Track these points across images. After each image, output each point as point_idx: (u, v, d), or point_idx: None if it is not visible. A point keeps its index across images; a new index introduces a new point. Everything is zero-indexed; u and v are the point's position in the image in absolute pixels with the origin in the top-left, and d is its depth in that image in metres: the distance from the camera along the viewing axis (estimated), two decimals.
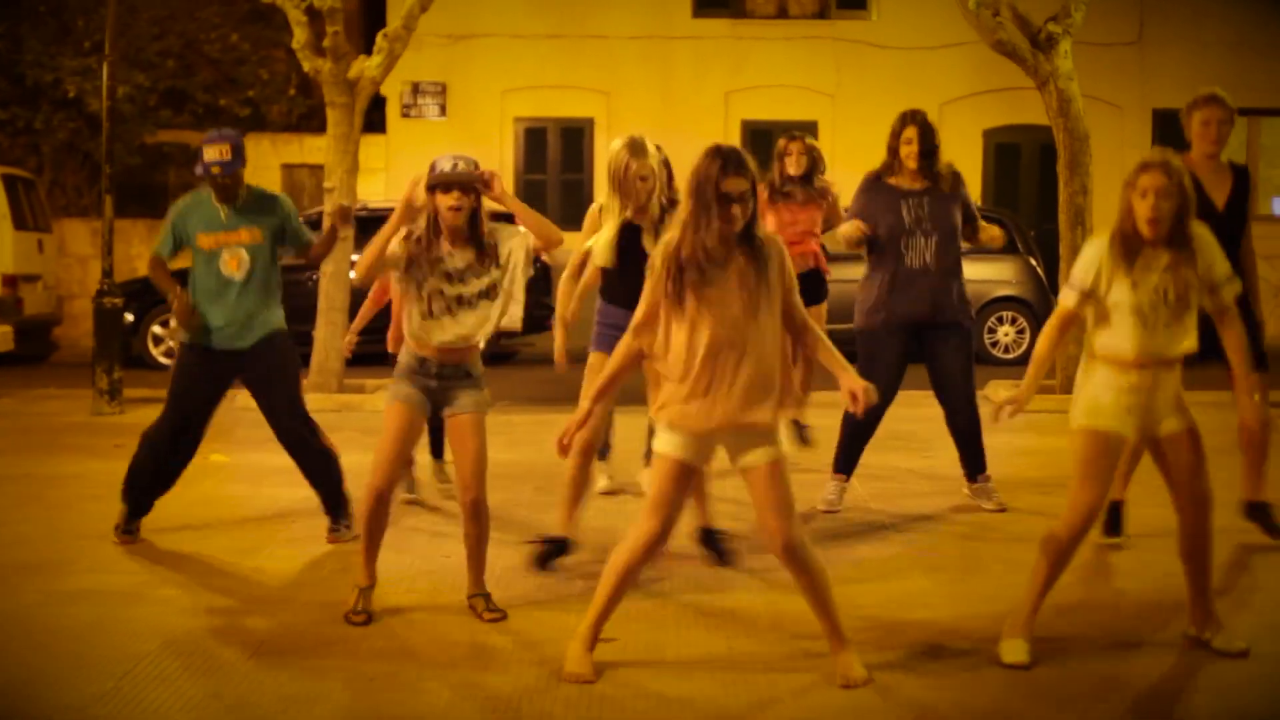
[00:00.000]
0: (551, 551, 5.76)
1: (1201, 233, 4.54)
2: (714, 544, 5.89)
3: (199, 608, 5.23)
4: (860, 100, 18.79)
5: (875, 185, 6.88)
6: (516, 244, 5.08)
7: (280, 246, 6.31)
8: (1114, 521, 6.14)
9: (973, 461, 6.94)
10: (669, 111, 18.69)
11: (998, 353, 14.96)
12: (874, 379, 6.69)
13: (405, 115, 18.82)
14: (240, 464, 8.16)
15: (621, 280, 5.83)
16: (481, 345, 5.15)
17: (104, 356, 10.39)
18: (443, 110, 18.81)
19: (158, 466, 6.28)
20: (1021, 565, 5.74)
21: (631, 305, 5.28)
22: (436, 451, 7.31)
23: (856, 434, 6.91)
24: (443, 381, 5.06)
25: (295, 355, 6.44)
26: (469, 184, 4.94)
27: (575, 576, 5.59)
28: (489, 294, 5.04)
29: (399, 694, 4.28)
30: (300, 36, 10.96)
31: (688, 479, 4.38)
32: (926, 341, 6.84)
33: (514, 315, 5.11)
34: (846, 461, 6.98)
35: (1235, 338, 4.65)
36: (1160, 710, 4.24)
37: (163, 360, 14.01)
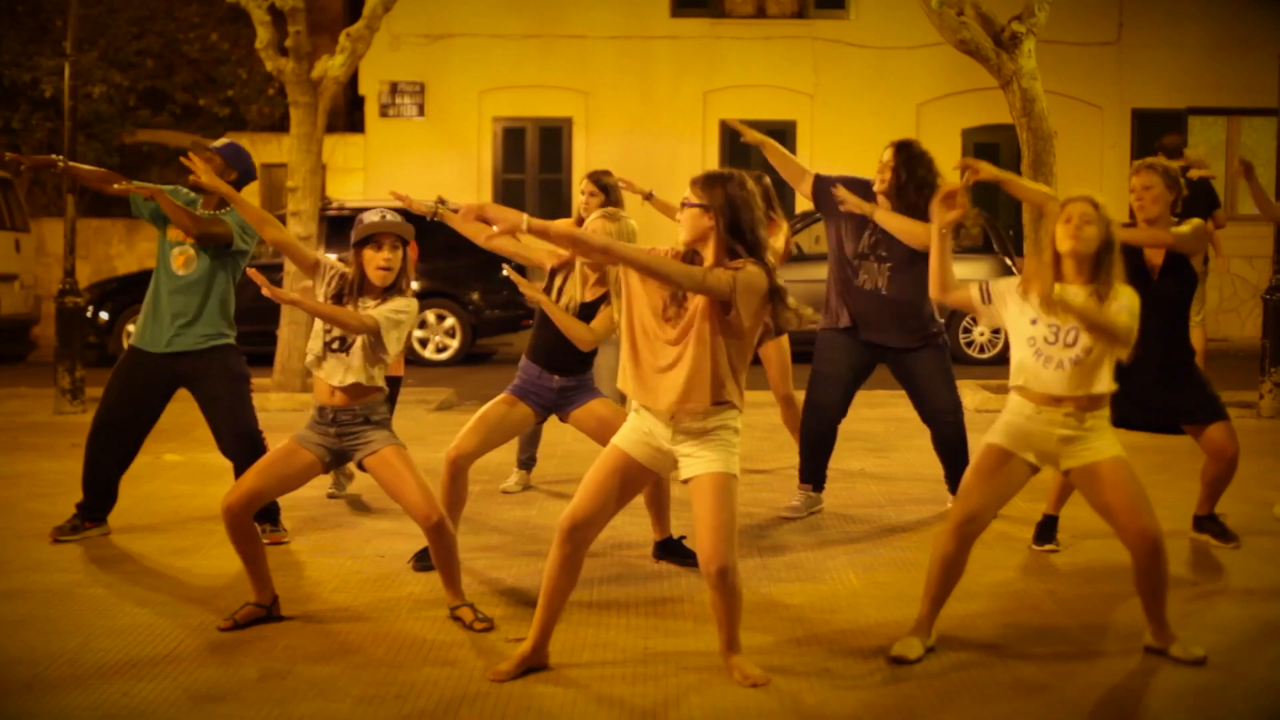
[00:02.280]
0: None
1: (1124, 288, 4.54)
2: (678, 551, 5.86)
3: (125, 607, 5.23)
4: (839, 100, 18.80)
5: (864, 189, 6.64)
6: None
7: (229, 259, 6.21)
8: (1046, 532, 6.13)
9: (958, 476, 6.71)
10: (647, 111, 18.69)
11: (973, 353, 14.97)
12: (820, 388, 6.74)
13: (384, 115, 18.81)
14: (192, 463, 8.16)
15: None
16: (380, 386, 5.03)
17: (66, 356, 10.38)
18: (421, 110, 18.80)
19: (92, 462, 6.28)
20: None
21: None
22: None
23: (813, 444, 6.83)
24: (341, 429, 4.96)
25: (239, 372, 6.26)
26: (400, 239, 4.90)
27: (480, 580, 5.61)
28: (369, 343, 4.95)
29: (309, 695, 4.28)
30: (264, 36, 10.96)
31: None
32: (897, 363, 6.67)
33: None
34: (810, 471, 6.87)
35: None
36: (1071, 709, 4.24)
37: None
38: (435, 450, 8.52)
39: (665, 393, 4.24)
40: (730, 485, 4.25)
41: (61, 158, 6.51)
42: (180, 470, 8.03)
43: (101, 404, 6.28)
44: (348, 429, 4.96)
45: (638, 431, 4.37)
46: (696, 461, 4.26)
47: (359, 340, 4.91)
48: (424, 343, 14.90)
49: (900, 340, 6.60)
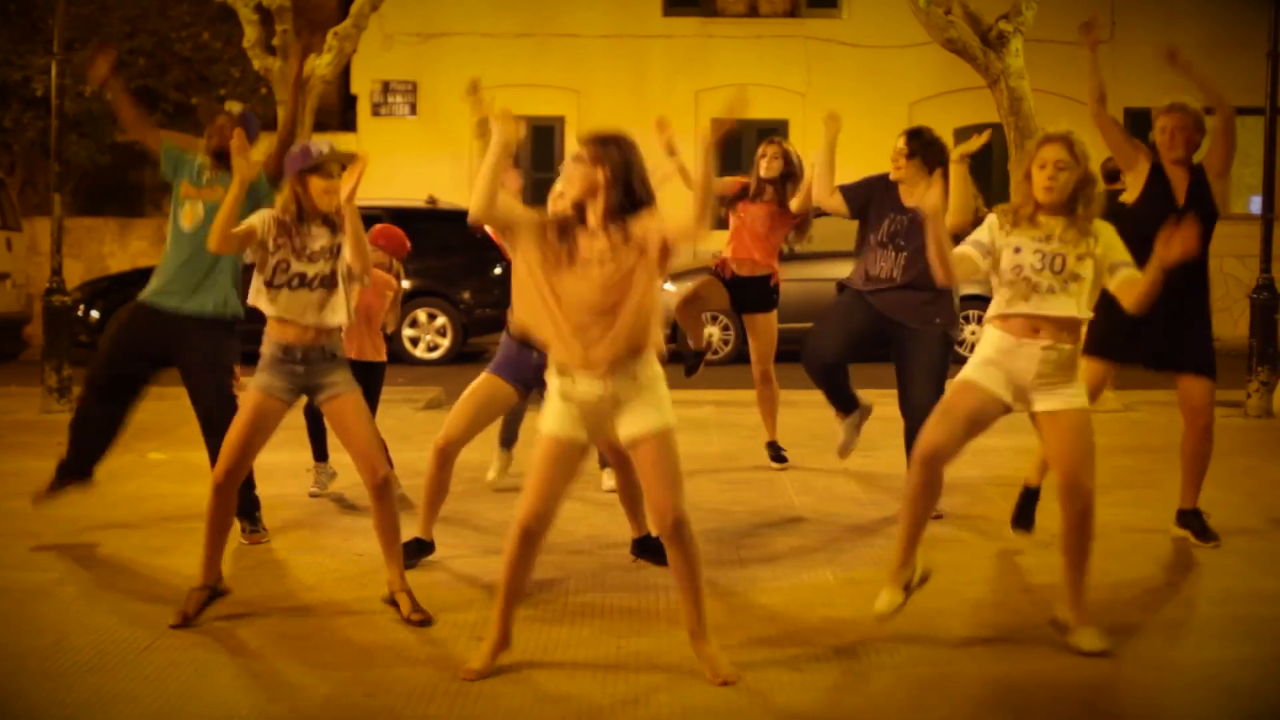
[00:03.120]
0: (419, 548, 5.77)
1: (1101, 222, 4.64)
2: (656, 550, 5.85)
3: (101, 605, 5.23)
4: (831, 99, 18.65)
5: (881, 183, 6.77)
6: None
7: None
8: (1025, 513, 6.12)
9: None
10: (639, 110, 18.59)
11: (964, 351, 14.95)
12: (820, 329, 6.85)
13: (376, 114, 18.83)
14: (175, 461, 8.15)
15: None
16: (343, 326, 5.13)
17: (53, 354, 10.38)
18: (413, 109, 18.81)
19: (83, 417, 6.27)
20: (934, 565, 5.77)
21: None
22: (320, 454, 7.30)
23: (821, 381, 6.99)
24: (309, 367, 5.05)
25: (226, 364, 6.18)
26: (344, 164, 5.00)
27: (460, 579, 5.61)
28: (333, 279, 5.07)
29: (279, 693, 4.28)
30: (251, 35, 10.97)
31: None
32: (900, 341, 6.68)
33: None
34: (838, 403, 7.14)
35: (1139, 296, 4.61)
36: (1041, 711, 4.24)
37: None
38: (421, 450, 8.51)
39: (605, 348, 4.27)
40: (673, 437, 4.33)
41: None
42: (163, 469, 8.02)
43: (102, 356, 6.27)
44: (316, 365, 5.04)
45: (562, 409, 4.37)
46: (636, 419, 4.30)
47: (336, 279, 5.03)
48: (415, 341, 14.90)
49: (912, 319, 6.66)
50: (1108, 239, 4.64)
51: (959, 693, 4.28)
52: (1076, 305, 4.56)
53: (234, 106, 6.30)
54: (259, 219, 5.04)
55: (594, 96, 18.82)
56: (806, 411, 9.57)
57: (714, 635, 4.47)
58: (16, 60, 17.53)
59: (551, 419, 4.39)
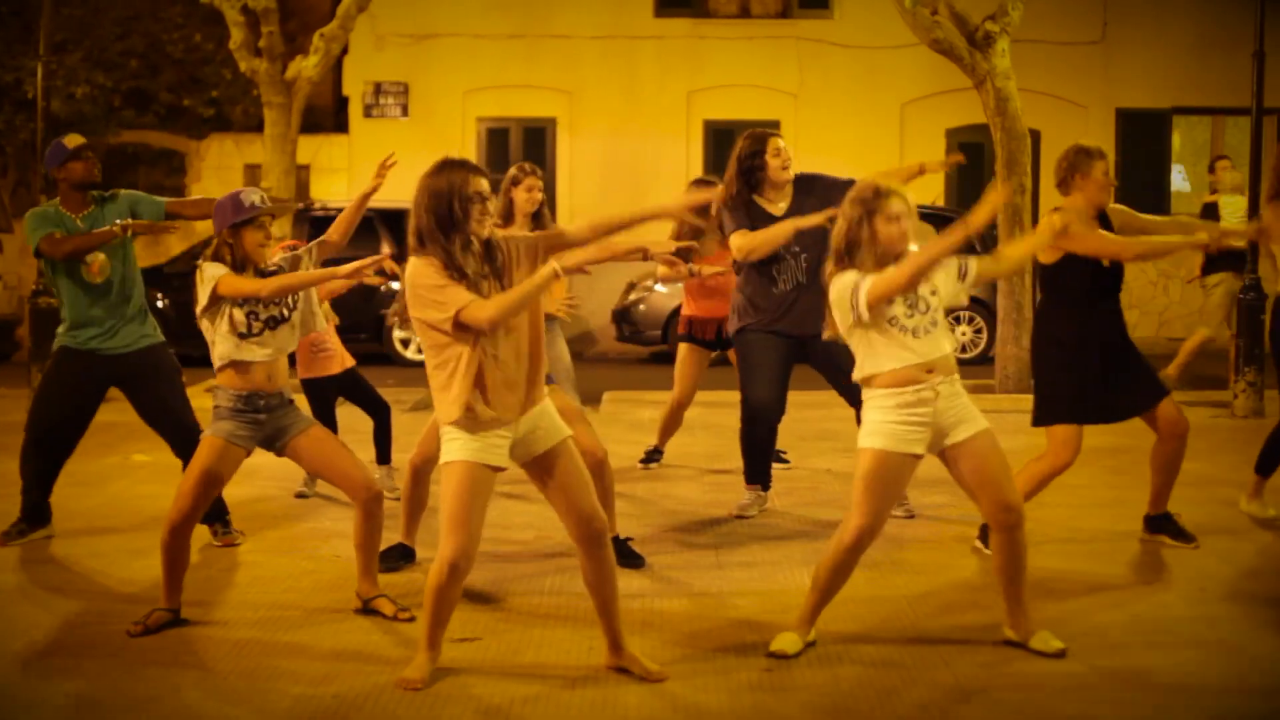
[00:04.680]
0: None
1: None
2: (624, 553, 5.85)
3: (76, 608, 5.24)
4: (823, 100, 18.79)
5: (756, 208, 6.64)
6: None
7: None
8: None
9: None
10: (631, 111, 18.69)
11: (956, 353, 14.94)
12: (756, 387, 6.73)
13: (368, 115, 18.82)
14: (158, 463, 8.13)
15: None
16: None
17: (40, 356, 10.38)
18: (405, 110, 18.80)
19: (37, 471, 6.27)
20: (906, 567, 5.79)
21: None
22: (384, 457, 7.32)
23: (758, 445, 6.84)
24: (270, 414, 5.02)
25: (174, 366, 6.30)
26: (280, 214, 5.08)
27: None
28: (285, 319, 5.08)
29: (249, 693, 4.28)
30: (237, 37, 10.98)
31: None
32: (815, 351, 6.62)
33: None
34: (758, 472, 6.91)
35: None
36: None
37: None
38: (405, 451, 8.50)
39: (530, 389, 4.34)
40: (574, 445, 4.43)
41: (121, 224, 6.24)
42: (146, 471, 8.02)
43: (40, 411, 6.21)
44: (276, 411, 5.03)
45: (478, 443, 4.28)
46: (551, 428, 4.38)
47: (295, 316, 5.07)
48: (405, 343, 14.88)
49: (816, 326, 6.57)
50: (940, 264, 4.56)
51: (931, 696, 4.28)
52: (946, 340, 4.53)
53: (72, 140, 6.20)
54: (204, 290, 4.98)
55: (585, 98, 18.82)
56: (791, 412, 9.51)
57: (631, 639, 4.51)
58: (9, 62, 17.51)
59: (461, 449, 4.27)
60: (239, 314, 4.98)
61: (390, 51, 18.68)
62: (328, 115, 19.88)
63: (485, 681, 4.36)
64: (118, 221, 6.04)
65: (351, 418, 7.43)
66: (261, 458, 7.36)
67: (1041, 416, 5.90)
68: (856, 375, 4.59)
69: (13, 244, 16.43)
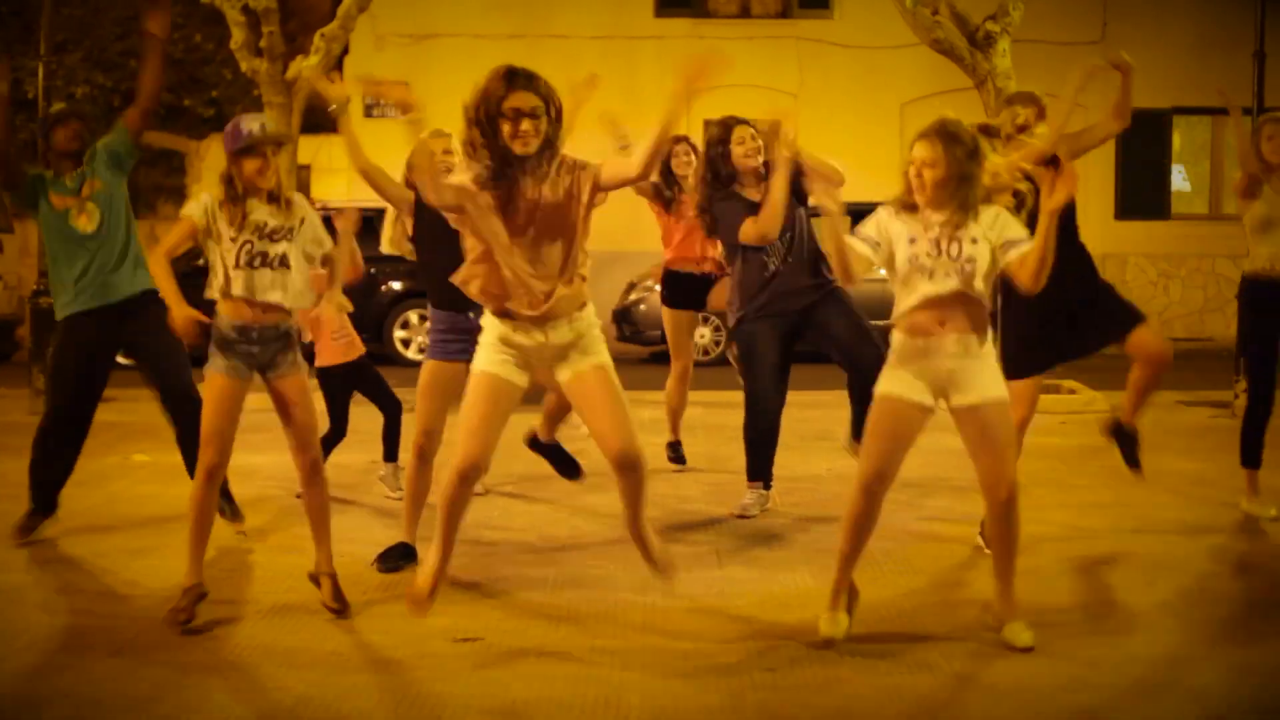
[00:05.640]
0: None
1: (990, 206, 4.60)
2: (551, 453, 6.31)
3: (76, 607, 5.24)
4: (823, 100, 18.76)
5: (740, 201, 6.75)
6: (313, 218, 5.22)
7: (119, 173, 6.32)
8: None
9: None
10: (631, 111, 18.62)
11: None
12: (759, 381, 6.80)
13: (368, 115, 18.76)
14: (158, 463, 8.15)
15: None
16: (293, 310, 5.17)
17: (41, 356, 10.35)
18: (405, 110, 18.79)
19: (48, 459, 6.30)
20: (908, 566, 5.79)
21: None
22: (390, 454, 7.32)
23: (762, 439, 6.86)
24: (264, 346, 5.07)
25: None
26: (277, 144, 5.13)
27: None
28: (286, 261, 5.09)
29: (250, 693, 4.28)
30: (238, 37, 10.98)
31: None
32: (812, 326, 6.73)
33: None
34: (757, 468, 6.90)
35: (1034, 263, 4.57)
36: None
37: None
38: (405, 451, 8.49)
39: (553, 294, 4.46)
40: (612, 372, 4.55)
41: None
42: (146, 471, 8.02)
43: (55, 386, 6.29)
44: (270, 344, 5.07)
45: (502, 352, 4.48)
46: (579, 359, 4.53)
47: (296, 259, 5.08)
48: (406, 343, 14.89)
49: (809, 293, 6.69)
50: (999, 218, 4.57)
51: (934, 695, 4.28)
52: (974, 287, 4.52)
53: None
54: (197, 210, 5.04)
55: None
56: (791, 412, 9.53)
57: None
58: (8, 62, 17.50)
59: (490, 361, 4.49)
60: (235, 243, 5.01)
61: (390, 52, 18.67)
62: (327, 115, 19.83)
63: (487, 681, 4.35)
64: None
65: (356, 418, 7.42)
66: (261, 457, 7.43)
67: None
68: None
69: (12, 243, 16.45)
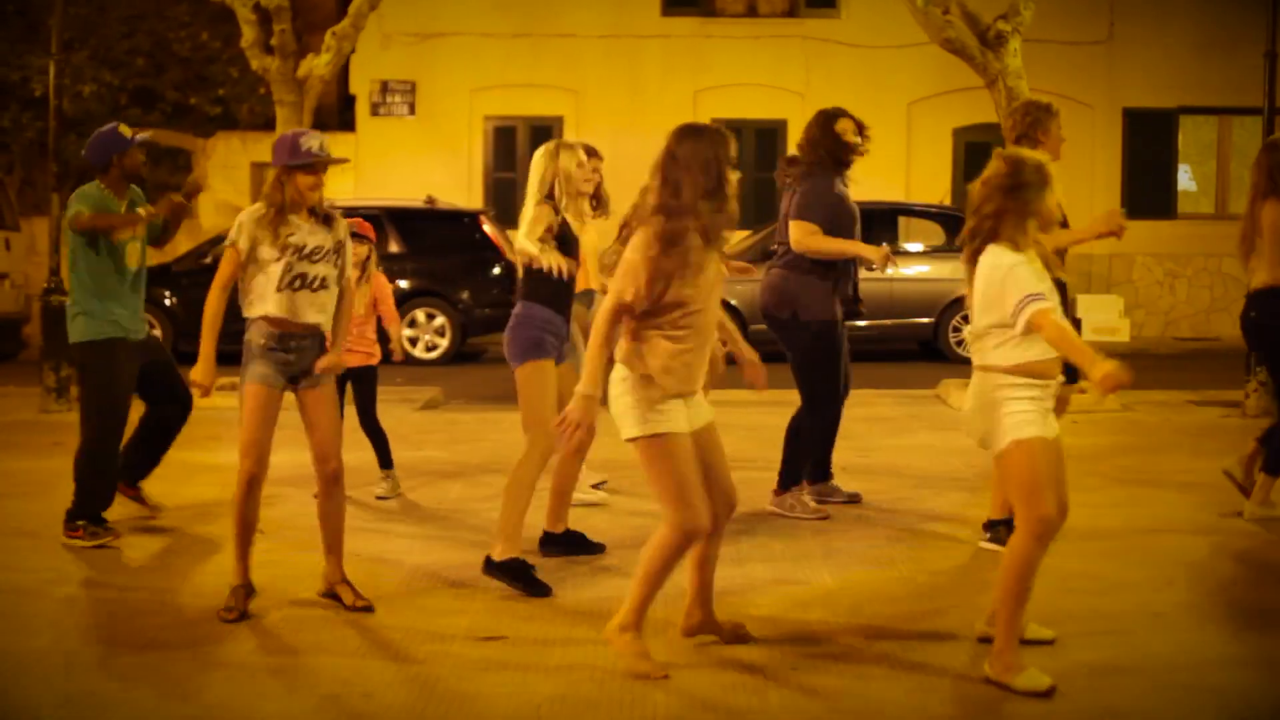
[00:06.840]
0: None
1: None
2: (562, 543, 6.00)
3: (97, 605, 5.26)
4: (829, 99, 18.40)
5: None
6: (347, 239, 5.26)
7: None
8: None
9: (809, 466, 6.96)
10: (637, 110, 18.66)
11: (962, 351, 14.96)
12: (836, 377, 6.84)
13: (375, 114, 18.83)
14: (171, 461, 8.10)
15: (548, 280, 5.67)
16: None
17: (51, 354, 10.38)
18: (412, 109, 18.81)
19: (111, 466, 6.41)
20: (920, 567, 5.80)
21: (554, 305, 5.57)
22: (385, 461, 7.31)
23: (831, 434, 6.99)
24: (300, 354, 5.10)
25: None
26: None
27: (455, 581, 5.60)
28: (325, 283, 5.13)
29: (276, 691, 4.28)
30: (249, 35, 10.98)
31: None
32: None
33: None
34: (827, 462, 7.10)
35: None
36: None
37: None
38: (416, 449, 8.54)
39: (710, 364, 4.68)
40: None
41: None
42: (161, 469, 7.99)
43: (113, 406, 6.27)
44: (306, 352, 5.11)
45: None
46: (704, 408, 4.63)
47: (332, 283, 5.14)
48: (414, 341, 14.89)
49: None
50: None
51: (956, 695, 4.28)
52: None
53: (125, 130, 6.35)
54: (242, 238, 5.03)
55: (592, 96, 18.82)
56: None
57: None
58: (15, 60, 17.54)
59: (679, 421, 4.44)
60: (277, 264, 5.04)
61: (397, 50, 18.69)
62: (333, 114, 19.88)
63: (512, 680, 4.36)
64: (141, 209, 6.33)
65: (353, 419, 7.42)
66: (274, 455, 7.41)
67: None
68: (1003, 361, 4.40)
69: (20, 242, 16.45)
